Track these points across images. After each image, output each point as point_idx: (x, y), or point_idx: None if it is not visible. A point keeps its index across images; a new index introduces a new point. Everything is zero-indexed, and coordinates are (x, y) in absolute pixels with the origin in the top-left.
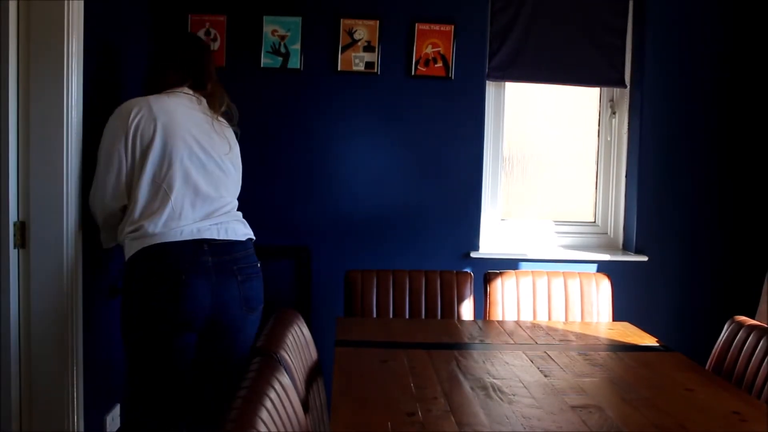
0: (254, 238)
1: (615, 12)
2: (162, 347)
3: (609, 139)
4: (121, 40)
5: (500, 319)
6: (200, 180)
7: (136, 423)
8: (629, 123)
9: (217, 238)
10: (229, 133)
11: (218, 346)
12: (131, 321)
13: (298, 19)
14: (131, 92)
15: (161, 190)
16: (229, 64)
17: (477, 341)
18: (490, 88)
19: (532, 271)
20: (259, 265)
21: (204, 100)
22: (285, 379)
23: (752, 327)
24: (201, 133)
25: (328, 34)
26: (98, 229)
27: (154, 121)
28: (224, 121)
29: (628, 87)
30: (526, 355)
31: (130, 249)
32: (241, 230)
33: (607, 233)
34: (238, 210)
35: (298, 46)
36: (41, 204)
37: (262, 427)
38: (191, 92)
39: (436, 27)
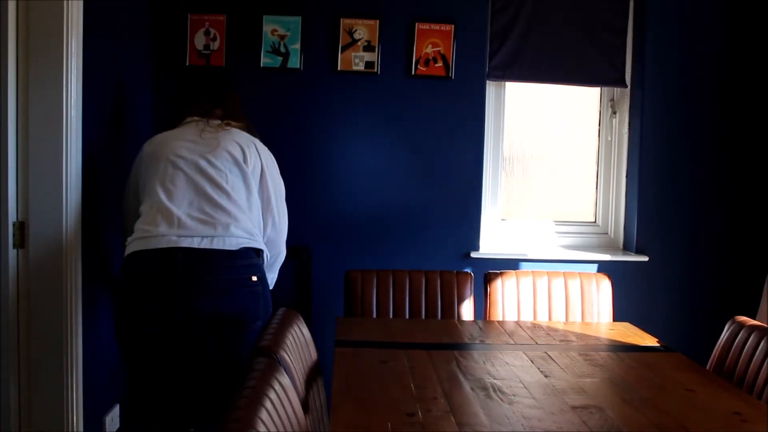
0: (258, 247)
1: (615, 12)
2: (142, 347)
3: (609, 138)
4: (121, 39)
5: (500, 319)
6: (183, 188)
7: (136, 424)
8: (630, 123)
9: (197, 247)
10: (225, 135)
11: (205, 352)
12: (117, 321)
13: (298, 19)
14: (131, 92)
15: (143, 202)
16: (228, 64)
17: (477, 341)
18: (491, 87)
19: (532, 271)
20: (254, 278)
21: (211, 123)
22: (285, 379)
23: (753, 327)
24: (184, 144)
25: (328, 34)
26: (101, 229)
27: (141, 153)
28: (228, 128)
29: (629, 87)
30: (527, 356)
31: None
32: (233, 240)
33: (607, 233)
34: (241, 215)
35: (297, 46)
36: (40, 204)
37: (261, 428)
38: (197, 118)
39: (437, 27)
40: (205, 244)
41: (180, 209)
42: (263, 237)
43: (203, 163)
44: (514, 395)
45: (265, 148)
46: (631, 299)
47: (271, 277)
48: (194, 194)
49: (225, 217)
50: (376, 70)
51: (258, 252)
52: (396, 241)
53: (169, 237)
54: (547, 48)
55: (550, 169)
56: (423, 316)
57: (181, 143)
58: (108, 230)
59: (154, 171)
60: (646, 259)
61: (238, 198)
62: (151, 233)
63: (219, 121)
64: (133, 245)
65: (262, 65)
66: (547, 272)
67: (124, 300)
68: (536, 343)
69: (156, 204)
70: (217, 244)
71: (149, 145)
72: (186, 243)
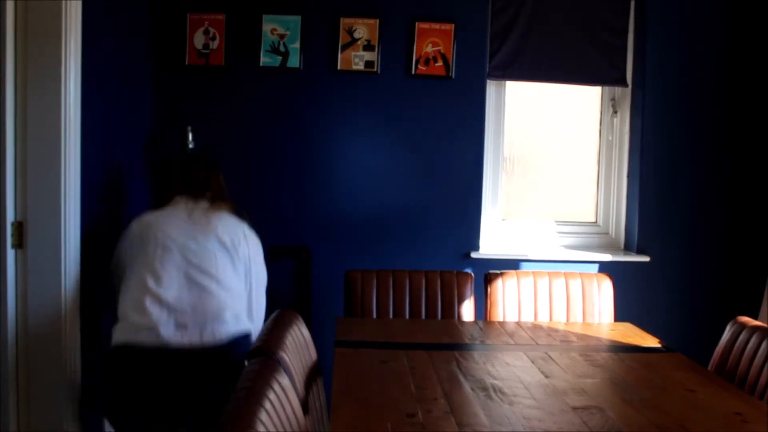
0: (247, 331)
1: (616, 11)
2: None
3: (610, 138)
4: (120, 39)
5: (501, 319)
6: (172, 272)
7: (136, 424)
8: (631, 122)
9: (188, 346)
10: (215, 219)
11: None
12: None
13: (298, 18)
14: (130, 91)
15: (130, 283)
16: (228, 64)
17: (477, 342)
18: (491, 87)
19: (533, 272)
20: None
21: (200, 204)
22: (284, 380)
23: (755, 328)
24: (174, 224)
25: (328, 33)
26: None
27: (129, 232)
28: (219, 211)
29: (630, 86)
30: (527, 356)
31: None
32: (223, 329)
33: (608, 233)
34: (234, 295)
35: (297, 45)
36: (39, 204)
37: (261, 428)
38: (185, 198)
39: (437, 26)
40: (195, 340)
41: (169, 295)
42: None
43: (193, 246)
44: (515, 396)
45: (253, 234)
46: (632, 299)
47: None
48: (184, 279)
49: (215, 304)
50: (376, 69)
51: (247, 336)
52: (396, 241)
53: (158, 330)
54: (547, 48)
55: (551, 169)
56: (423, 317)
57: (171, 223)
58: (107, 230)
59: (143, 252)
60: (647, 259)
61: (228, 281)
62: (140, 324)
63: (208, 204)
64: (121, 335)
65: (261, 64)
66: (548, 272)
67: (115, 392)
68: (537, 343)
69: (143, 287)
70: (207, 338)
71: (138, 225)
72: (176, 340)
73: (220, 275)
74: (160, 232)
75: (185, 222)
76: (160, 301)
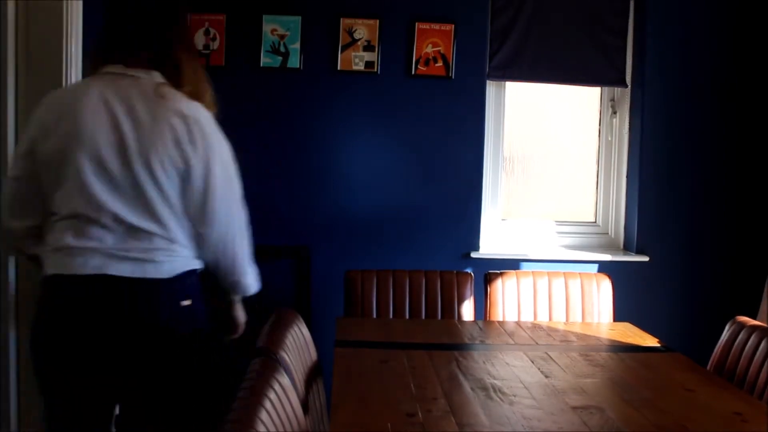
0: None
1: (615, 11)
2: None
3: (610, 138)
4: None
5: (501, 319)
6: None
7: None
8: (630, 123)
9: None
10: (181, 122)
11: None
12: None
13: (298, 19)
14: None
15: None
16: (228, 64)
17: (477, 342)
18: (491, 87)
19: (532, 272)
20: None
21: (153, 76)
22: (284, 379)
23: (754, 327)
24: (110, 140)
25: (328, 34)
26: None
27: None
28: (184, 102)
29: (629, 87)
30: (527, 356)
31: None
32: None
33: (608, 233)
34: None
35: (297, 46)
36: None
37: (261, 428)
38: (125, 70)
39: (437, 26)
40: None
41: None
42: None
43: (138, 174)
44: (515, 395)
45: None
46: (631, 299)
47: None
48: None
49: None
50: (376, 69)
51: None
52: (396, 241)
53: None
54: (547, 48)
55: (551, 169)
56: (423, 316)
57: (104, 142)
58: None
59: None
60: (646, 259)
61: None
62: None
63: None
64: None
65: (261, 65)
66: (548, 272)
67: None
68: (536, 343)
69: (73, 206)
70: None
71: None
72: (114, 270)
73: (152, 209)
74: (78, 154)
75: (113, 136)
76: (65, 240)
